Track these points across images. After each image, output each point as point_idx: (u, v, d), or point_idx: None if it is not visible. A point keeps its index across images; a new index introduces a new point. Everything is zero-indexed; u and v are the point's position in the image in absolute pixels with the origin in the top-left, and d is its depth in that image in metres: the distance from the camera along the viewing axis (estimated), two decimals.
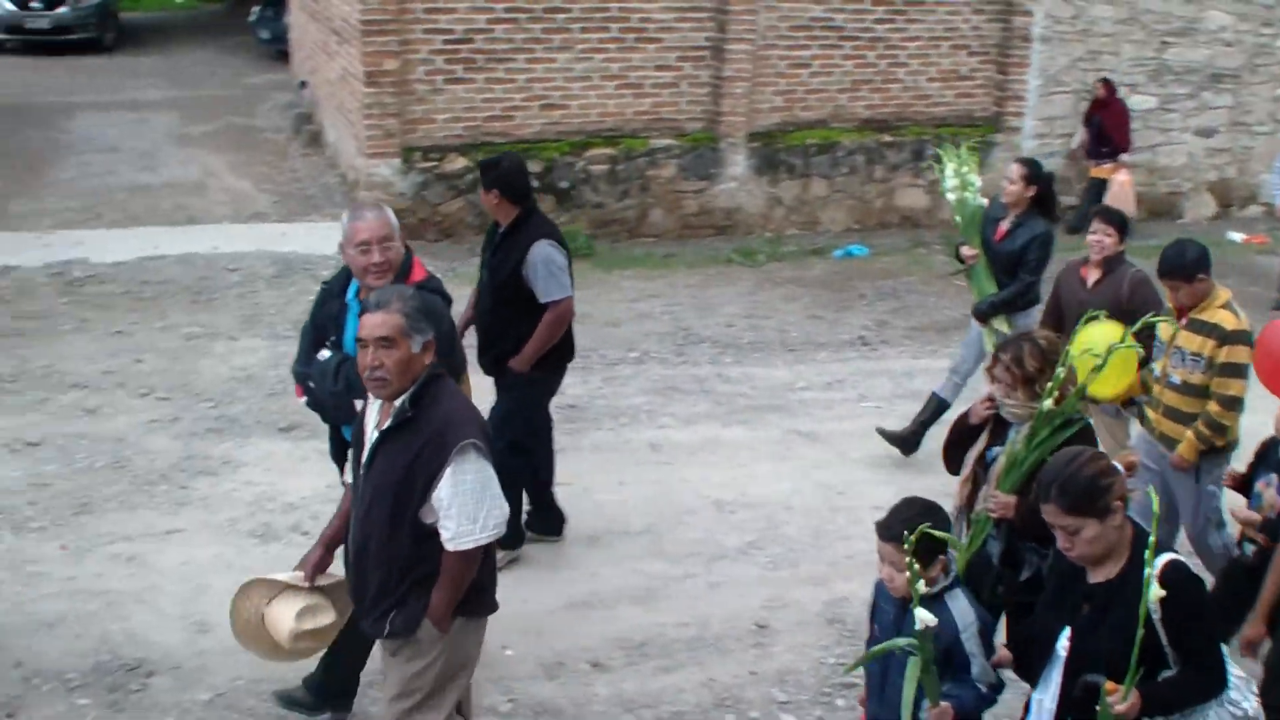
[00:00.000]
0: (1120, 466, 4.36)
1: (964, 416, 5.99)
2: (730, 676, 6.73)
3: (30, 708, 6.19)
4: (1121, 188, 16.16)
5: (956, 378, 9.39)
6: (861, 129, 16.03)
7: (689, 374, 10.96)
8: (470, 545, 4.75)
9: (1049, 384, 5.39)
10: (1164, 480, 7.16)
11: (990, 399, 5.78)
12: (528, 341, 7.41)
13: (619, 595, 7.52)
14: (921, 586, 4.42)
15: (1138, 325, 5.83)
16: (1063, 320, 7.86)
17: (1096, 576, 4.33)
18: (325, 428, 9.44)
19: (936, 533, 4.52)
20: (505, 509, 4.87)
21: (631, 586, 7.62)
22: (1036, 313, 8.74)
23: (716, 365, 11.14)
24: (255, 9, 25.89)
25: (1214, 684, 4.31)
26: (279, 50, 23.13)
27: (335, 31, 15.84)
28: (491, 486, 4.80)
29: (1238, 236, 16.55)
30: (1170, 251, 7.02)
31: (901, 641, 4.59)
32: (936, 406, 9.39)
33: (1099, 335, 6.54)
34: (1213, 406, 6.90)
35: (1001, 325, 8.80)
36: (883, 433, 9.43)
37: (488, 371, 7.67)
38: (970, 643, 4.64)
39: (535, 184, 14.44)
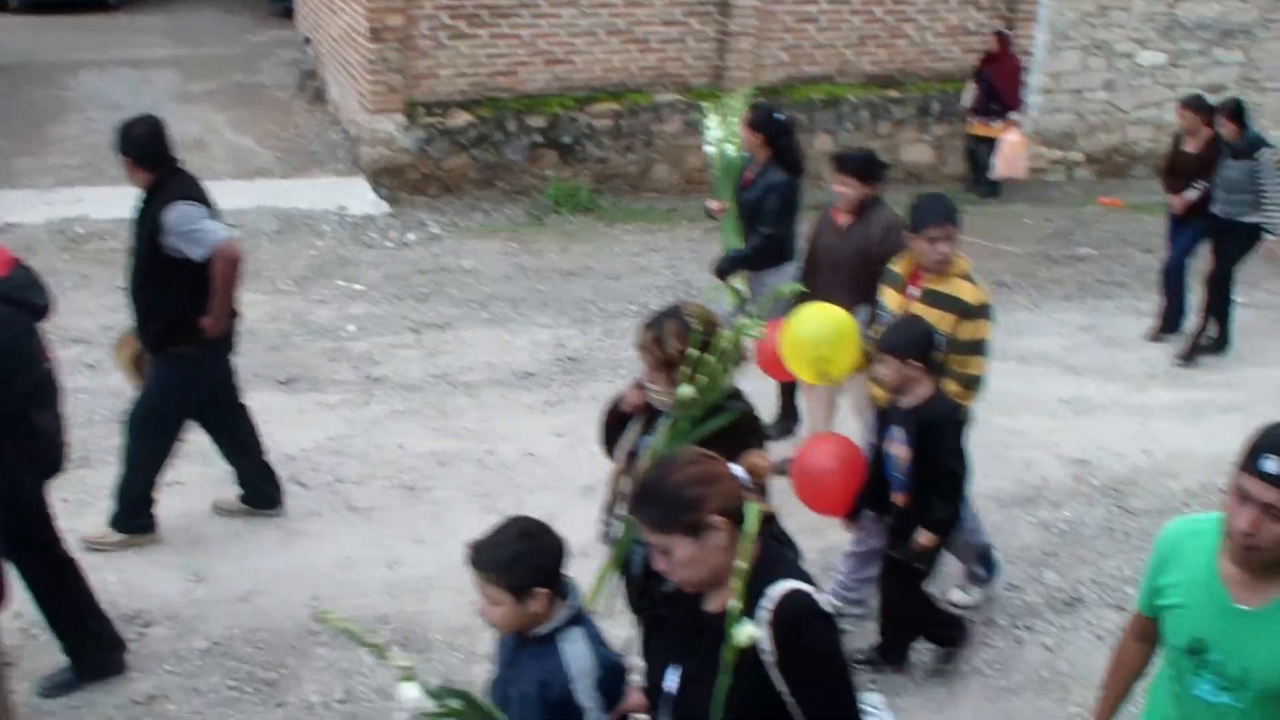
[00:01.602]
0: (743, 470, 3.60)
1: (615, 402, 5.35)
2: None
3: (30, 658, 6.26)
4: (1012, 148, 15.60)
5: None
6: (867, 84, 16.00)
7: None
8: None
9: (698, 367, 4.79)
10: None
11: (641, 384, 5.16)
12: (187, 311, 6.84)
13: None
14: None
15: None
16: (817, 267, 7.68)
17: (711, 605, 3.49)
18: (326, 380, 9.56)
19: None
20: None
21: None
22: (790, 270, 8.36)
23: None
24: None
25: None
26: (284, 7, 23.05)
27: None
28: None
29: None
30: (927, 200, 6.55)
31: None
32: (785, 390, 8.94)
33: (810, 320, 6.53)
34: (951, 386, 6.22)
35: (740, 283, 8.47)
36: None
37: (149, 349, 7.08)
38: (584, 694, 3.84)
39: (538, 139, 14.55)
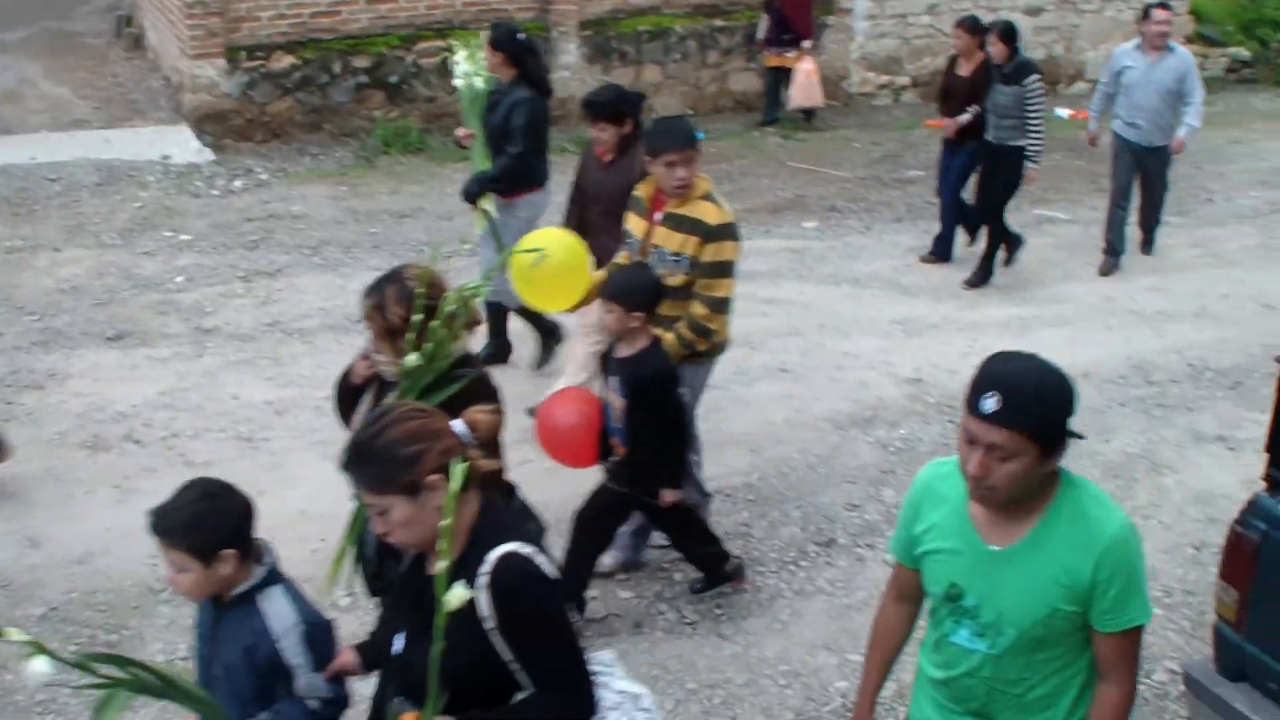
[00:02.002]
0: (464, 425, 3.46)
1: (346, 373, 5.05)
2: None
3: None
4: (807, 76, 15.54)
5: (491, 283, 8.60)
6: (693, 14, 16.00)
7: None
8: None
9: (431, 333, 4.54)
10: None
11: (368, 354, 4.88)
12: None
13: None
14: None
15: None
16: (585, 202, 7.68)
17: (434, 567, 3.26)
18: (156, 334, 9.37)
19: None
20: None
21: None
22: (542, 197, 8.50)
23: None
24: None
25: (576, 708, 3.42)
26: None
27: None
28: None
29: (1064, 112, 16.78)
30: (663, 125, 6.51)
31: None
32: (494, 314, 8.72)
33: (547, 241, 6.39)
34: (698, 309, 6.20)
35: (489, 205, 8.34)
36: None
37: None
38: (291, 651, 3.69)
39: (364, 80, 14.35)
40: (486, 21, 14.66)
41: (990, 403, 3.16)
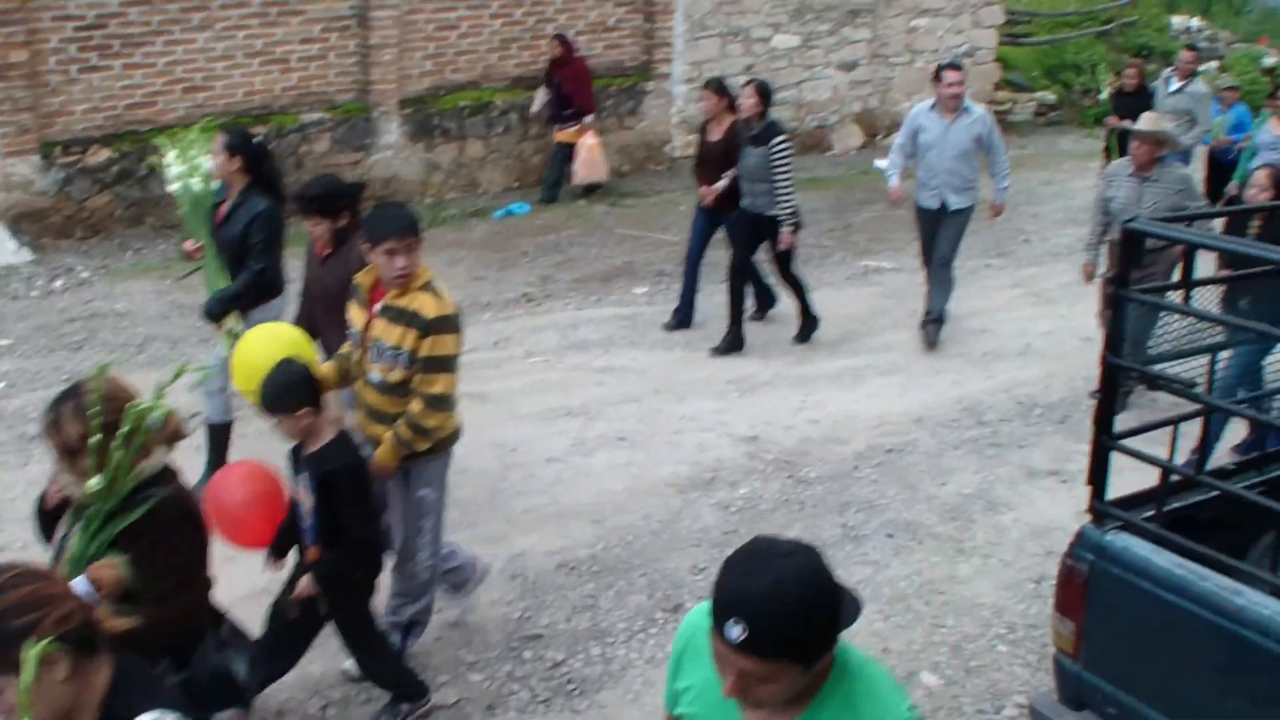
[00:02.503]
0: (87, 584, 3.24)
1: (42, 495, 4.67)
2: (416, 645, 6.73)
3: None
4: (590, 151, 15.34)
5: (216, 396, 8.13)
6: (513, 87, 16.07)
7: None
8: None
9: (111, 453, 4.23)
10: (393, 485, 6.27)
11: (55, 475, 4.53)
12: None
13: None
14: None
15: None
16: (310, 301, 7.41)
17: None
18: None
19: None
20: None
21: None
22: (280, 305, 7.99)
23: None
24: None
25: None
26: None
27: None
28: None
29: (882, 164, 17.16)
30: (383, 211, 6.14)
31: None
32: (214, 435, 8.24)
33: (259, 344, 6.12)
34: (415, 406, 5.92)
35: (235, 324, 7.69)
36: None
37: None
38: None
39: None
40: (306, 105, 14.67)
41: (735, 631, 2.74)
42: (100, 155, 13.85)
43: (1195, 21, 24.80)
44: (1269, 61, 23.51)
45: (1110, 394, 5.07)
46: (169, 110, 14.20)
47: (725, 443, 9.15)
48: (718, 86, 10.97)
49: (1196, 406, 5.28)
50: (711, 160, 10.98)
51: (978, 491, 8.54)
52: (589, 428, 9.27)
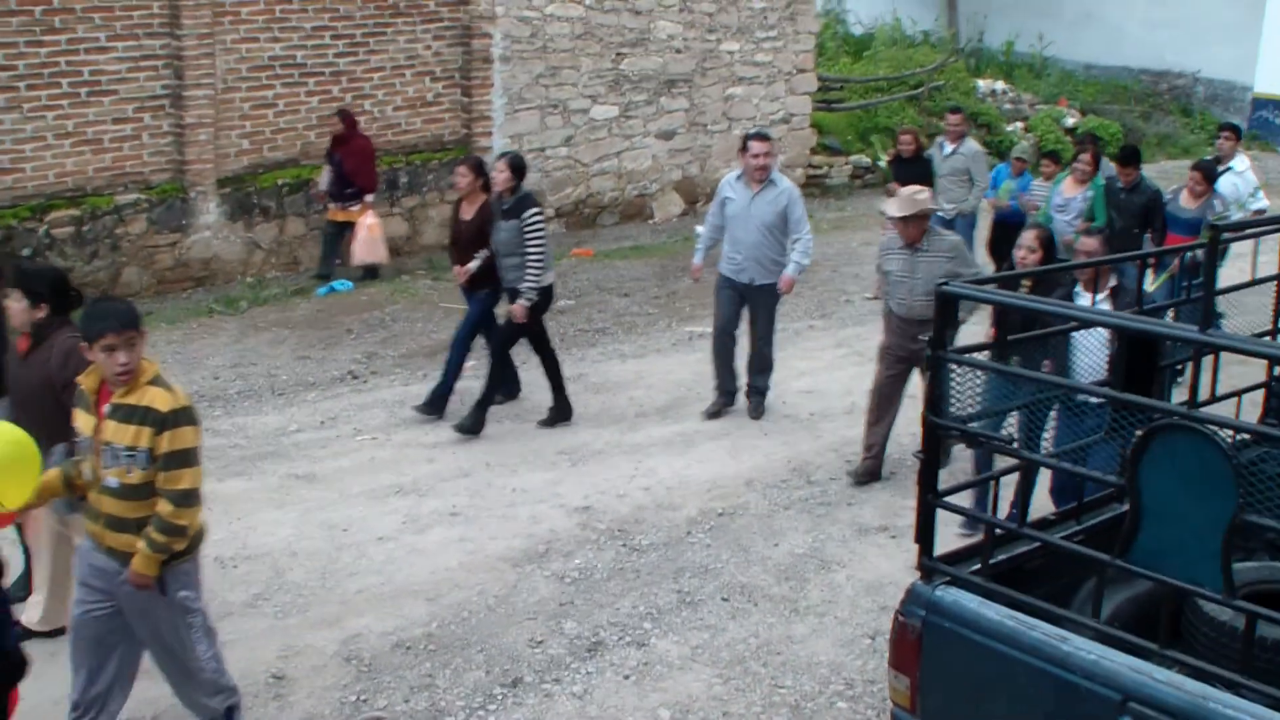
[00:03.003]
0: None
1: None
2: None
3: None
4: (369, 231, 14.90)
5: None
6: None
7: None
8: None
9: None
10: (131, 603, 5.83)
11: None
12: None
13: None
14: None
15: None
16: (13, 401, 6.95)
17: None
18: None
19: None
20: None
21: None
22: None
23: (206, 420, 10.80)
24: None
25: None
26: None
27: None
28: None
29: (701, 230, 17.38)
30: (99, 307, 5.84)
31: None
32: None
33: None
34: (164, 507, 5.61)
35: None
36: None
37: None
38: None
39: None
40: (121, 186, 14.41)
41: None
42: None
43: (1000, 84, 25.56)
44: (1069, 121, 24.40)
45: (933, 452, 5.18)
46: None
47: (558, 514, 9.13)
48: (475, 164, 10.73)
49: (1014, 461, 5.40)
50: (464, 240, 10.69)
51: (810, 551, 8.64)
52: (421, 504, 9.18)
